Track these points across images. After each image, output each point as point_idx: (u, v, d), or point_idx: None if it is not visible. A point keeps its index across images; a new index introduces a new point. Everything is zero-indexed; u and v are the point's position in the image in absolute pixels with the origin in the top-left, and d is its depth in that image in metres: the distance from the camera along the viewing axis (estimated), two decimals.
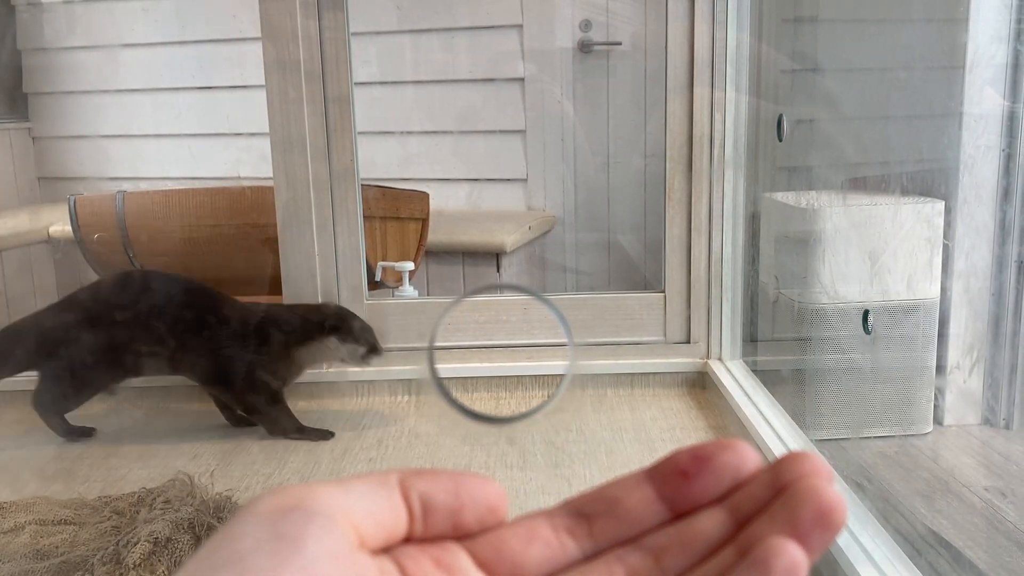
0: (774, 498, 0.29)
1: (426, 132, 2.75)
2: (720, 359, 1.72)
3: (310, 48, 1.66)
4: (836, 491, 0.29)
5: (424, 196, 2.34)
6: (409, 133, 2.76)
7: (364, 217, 1.73)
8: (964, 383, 1.65)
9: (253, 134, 2.69)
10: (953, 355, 1.65)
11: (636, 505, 0.31)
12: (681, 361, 1.72)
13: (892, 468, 1.60)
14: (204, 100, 2.88)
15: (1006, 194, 1.58)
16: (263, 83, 1.67)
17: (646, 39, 2.55)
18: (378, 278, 2.04)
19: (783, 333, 1.87)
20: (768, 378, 1.62)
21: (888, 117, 1.74)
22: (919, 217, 1.64)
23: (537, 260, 2.66)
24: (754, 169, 1.74)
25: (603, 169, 2.68)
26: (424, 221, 2.32)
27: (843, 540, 1.02)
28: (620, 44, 2.58)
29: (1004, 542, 1.36)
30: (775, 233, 1.86)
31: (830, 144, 1.87)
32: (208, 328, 1.48)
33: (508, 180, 2.72)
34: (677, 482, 0.31)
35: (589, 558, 0.31)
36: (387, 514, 0.30)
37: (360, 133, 1.72)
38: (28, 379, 1.72)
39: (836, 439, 1.72)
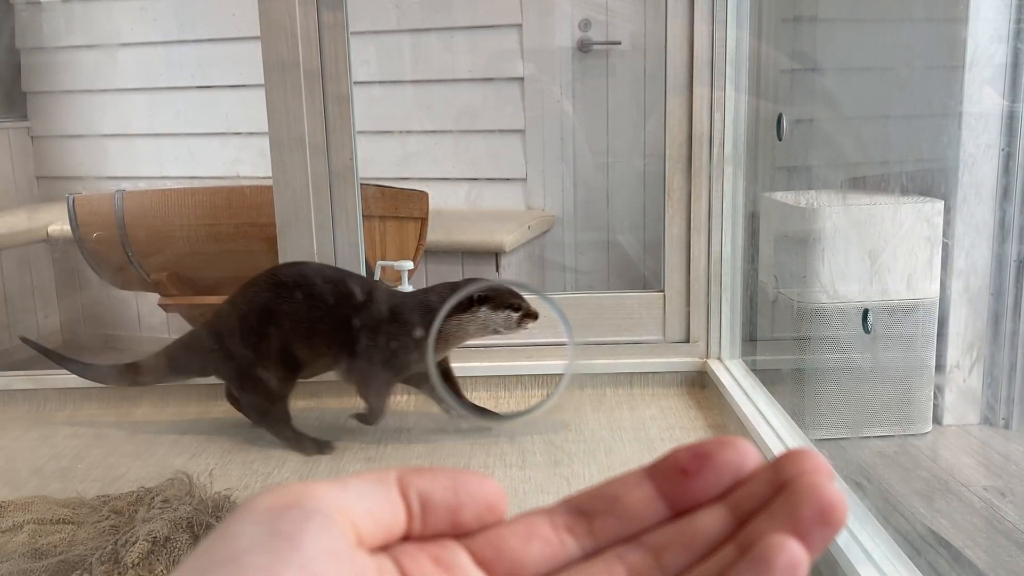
0: (775, 496, 0.29)
1: (425, 131, 2.75)
2: (719, 358, 1.72)
3: (309, 47, 1.66)
4: (837, 489, 0.28)
5: (423, 195, 2.33)
6: (408, 132, 2.76)
7: (363, 216, 1.73)
8: (964, 382, 1.64)
9: (252, 133, 2.69)
10: (953, 354, 1.65)
11: (636, 503, 0.31)
12: (680, 360, 1.72)
13: (891, 468, 1.60)
14: (203, 99, 2.88)
15: (1005, 193, 1.58)
16: (262, 82, 1.67)
17: (645, 38, 2.55)
18: (377, 278, 2.04)
19: (782, 332, 1.87)
20: (767, 377, 1.62)
21: (888, 116, 1.74)
22: (919, 216, 1.64)
23: (536, 259, 2.66)
24: (753, 168, 1.74)
25: (602, 168, 2.68)
26: (423, 220, 2.31)
27: (843, 540, 1.02)
28: (619, 43, 2.58)
29: (1003, 541, 1.36)
30: (774, 233, 1.86)
31: (829, 143, 1.87)
32: (365, 318, 1.44)
33: (507, 179, 2.72)
34: (677, 480, 0.31)
35: (589, 556, 0.31)
36: (385, 512, 0.30)
37: (359, 132, 1.72)
38: (27, 379, 1.72)
39: (835, 439, 1.72)
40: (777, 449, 1.32)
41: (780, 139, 1.72)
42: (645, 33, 2.56)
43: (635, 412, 1.60)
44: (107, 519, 1.20)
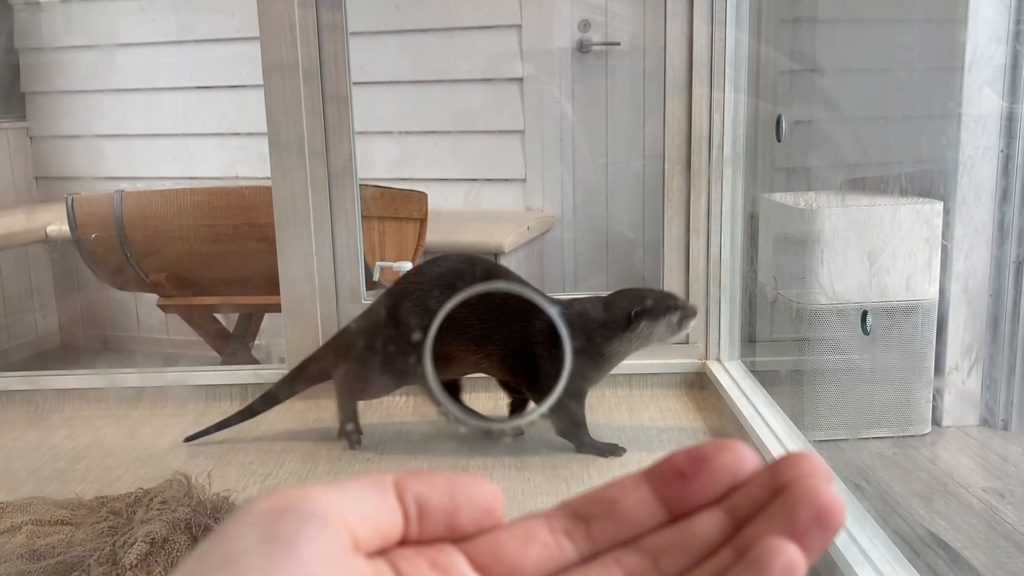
0: (772, 499, 0.29)
1: (424, 132, 2.75)
2: (718, 359, 1.71)
3: (308, 47, 1.66)
4: (834, 491, 0.28)
5: (422, 196, 2.33)
6: (407, 133, 2.76)
7: (362, 217, 1.73)
8: (963, 384, 1.64)
9: (251, 134, 2.68)
10: (952, 356, 1.65)
11: (634, 507, 0.31)
12: (679, 362, 1.72)
13: (890, 469, 1.60)
14: (202, 100, 2.88)
15: (1004, 195, 1.58)
16: (261, 83, 1.67)
17: (645, 39, 2.55)
18: (376, 278, 2.04)
19: (781, 334, 1.87)
20: (766, 379, 1.62)
21: (887, 118, 1.74)
22: (918, 218, 1.64)
23: (535, 260, 2.66)
24: (753, 170, 1.74)
25: (601, 169, 2.68)
26: (422, 221, 2.31)
27: (841, 541, 1.02)
28: (619, 44, 2.58)
29: (1002, 543, 1.36)
30: (774, 234, 1.86)
31: (829, 145, 1.87)
32: (519, 321, 1.35)
33: (506, 180, 2.72)
34: (675, 483, 0.31)
35: (587, 560, 0.31)
36: (382, 516, 0.30)
37: (358, 133, 1.72)
38: (24, 380, 1.72)
39: (834, 440, 1.72)
40: (776, 450, 1.32)
41: (779, 140, 1.72)
42: (644, 34, 2.56)
43: (634, 413, 1.60)
44: (105, 520, 1.20)
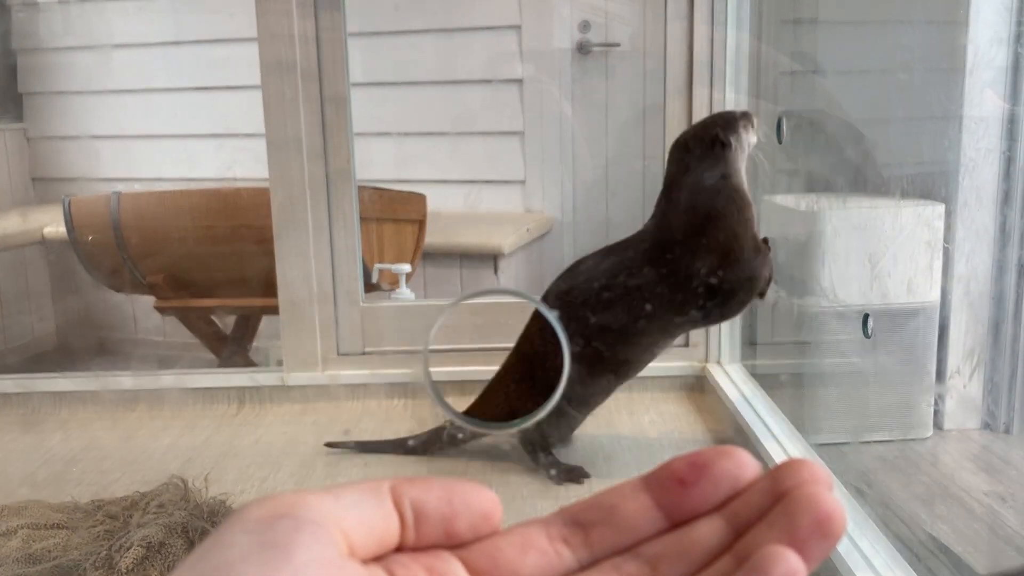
0: (772, 506, 0.29)
1: (423, 133, 2.75)
2: (719, 363, 1.71)
3: (307, 48, 1.65)
4: (835, 499, 0.28)
5: (421, 198, 2.33)
6: (406, 134, 2.75)
7: (360, 219, 1.72)
8: (964, 388, 1.64)
9: (249, 135, 2.68)
10: (953, 359, 1.64)
11: (633, 513, 0.31)
12: (680, 365, 1.71)
13: (892, 473, 1.59)
14: (200, 100, 2.88)
15: (1006, 197, 1.57)
16: (259, 84, 1.67)
17: (645, 40, 2.55)
18: (375, 280, 2.04)
19: (782, 337, 1.86)
20: (767, 382, 1.62)
21: (888, 119, 1.74)
22: (919, 220, 1.63)
23: (535, 262, 2.66)
24: (753, 171, 1.73)
25: (601, 171, 2.67)
26: (421, 223, 2.31)
27: (843, 546, 1.01)
28: (619, 45, 2.58)
29: (1004, 547, 1.36)
30: (774, 236, 1.86)
31: (830, 146, 1.87)
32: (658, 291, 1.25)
33: (506, 182, 2.72)
34: (674, 490, 0.31)
35: (585, 567, 0.31)
36: (378, 522, 0.30)
37: (357, 134, 1.71)
38: (20, 382, 1.71)
39: (835, 443, 1.71)
40: (777, 454, 1.32)
41: (780, 142, 1.72)
42: (645, 35, 2.55)
43: (634, 417, 1.59)
44: (101, 524, 1.19)
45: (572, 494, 1.29)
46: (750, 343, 1.77)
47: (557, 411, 1.31)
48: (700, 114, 1.66)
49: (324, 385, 1.70)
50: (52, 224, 2.64)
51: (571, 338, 1.27)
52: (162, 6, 2.85)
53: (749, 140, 1.29)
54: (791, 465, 0.29)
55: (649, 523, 0.31)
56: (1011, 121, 1.59)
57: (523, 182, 2.71)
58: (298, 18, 1.64)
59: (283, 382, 1.69)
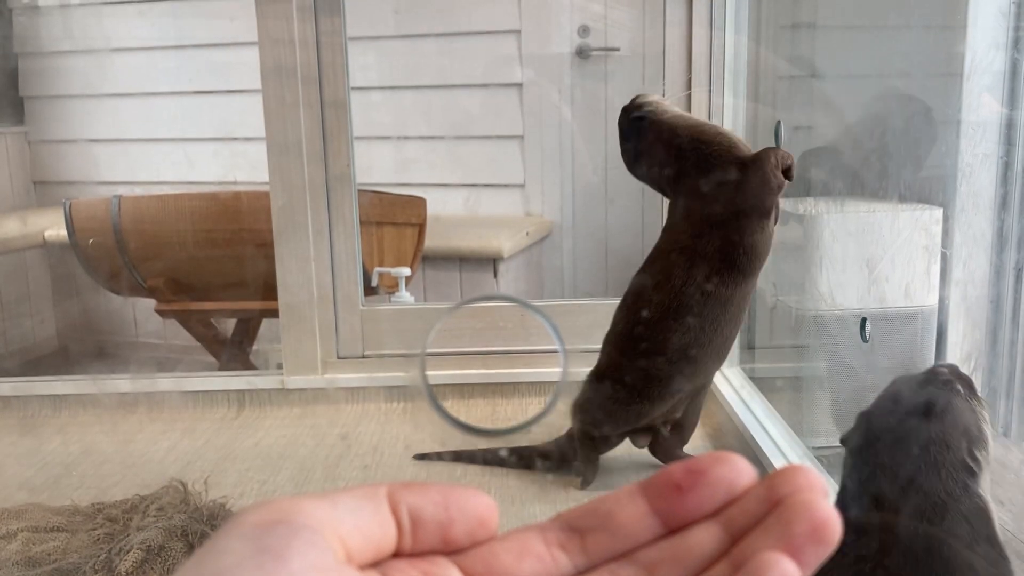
0: (768, 512, 0.29)
1: (423, 137, 2.75)
2: None
3: (307, 52, 1.66)
4: (830, 506, 0.28)
5: (421, 201, 2.33)
6: (406, 138, 2.76)
7: (360, 222, 1.73)
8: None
9: (249, 139, 2.68)
10: (951, 361, 1.64)
11: (629, 520, 0.31)
12: None
13: None
14: (200, 104, 2.88)
15: (1004, 202, 1.57)
16: (259, 88, 1.67)
17: (644, 45, 2.55)
18: (374, 284, 2.04)
19: (781, 340, 1.86)
20: (765, 385, 1.62)
21: (888, 123, 1.74)
22: (917, 225, 1.64)
23: (534, 266, 2.66)
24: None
25: (601, 174, 2.67)
26: (421, 227, 2.31)
27: None
28: (618, 50, 2.58)
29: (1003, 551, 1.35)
30: (773, 240, 1.86)
31: (827, 151, 1.87)
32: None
33: (505, 186, 2.72)
34: (671, 496, 0.31)
35: (582, 573, 0.31)
36: (375, 528, 0.30)
37: (357, 138, 1.71)
38: (20, 386, 1.71)
39: (833, 447, 1.71)
40: (775, 457, 1.32)
41: (778, 147, 1.72)
42: (644, 39, 2.56)
43: None
44: (101, 527, 1.19)
45: (571, 500, 1.29)
46: (748, 347, 1.77)
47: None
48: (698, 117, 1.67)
49: (324, 388, 1.70)
50: (53, 227, 2.64)
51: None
52: (163, 10, 2.85)
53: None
54: (787, 472, 0.29)
55: (645, 529, 0.31)
56: (1009, 126, 1.59)
57: (522, 186, 2.71)
58: (298, 22, 1.65)
59: (283, 385, 1.70)
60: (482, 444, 1.48)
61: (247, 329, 2.27)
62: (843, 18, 1.90)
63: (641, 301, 1.26)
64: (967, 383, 0.94)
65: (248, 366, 2.23)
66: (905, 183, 1.62)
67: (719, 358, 1.30)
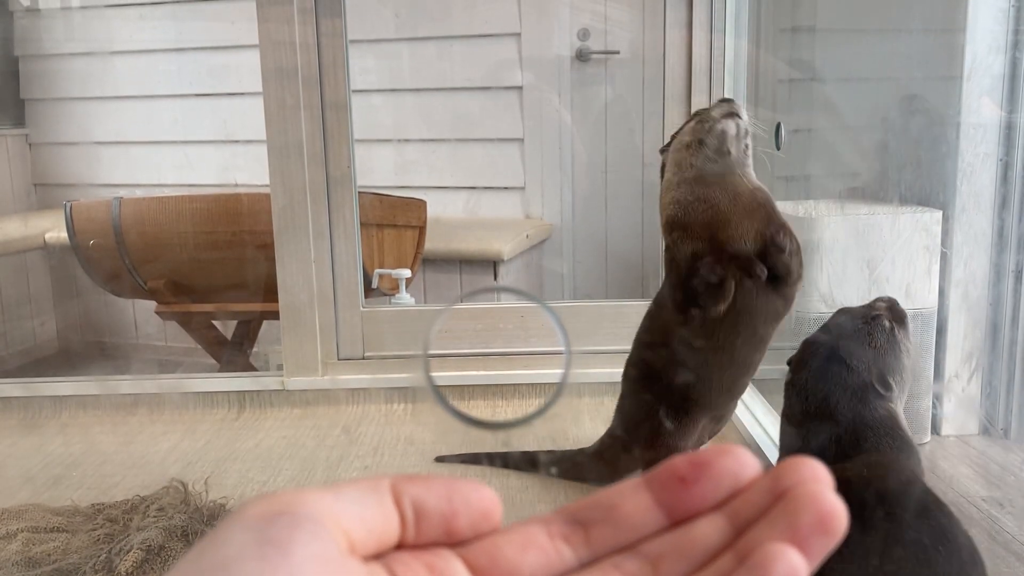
0: (773, 504, 0.29)
1: (423, 140, 2.75)
2: None
3: (308, 55, 1.66)
4: (836, 497, 0.28)
5: (421, 204, 2.33)
6: (407, 141, 2.76)
7: (361, 224, 1.73)
8: (962, 392, 1.64)
9: (249, 141, 2.68)
10: (951, 364, 1.64)
11: (633, 512, 0.31)
12: None
13: None
14: (201, 107, 2.88)
15: (1004, 203, 1.58)
16: (260, 90, 1.67)
17: (644, 48, 2.56)
18: (375, 285, 2.04)
19: (781, 341, 1.86)
20: (765, 387, 1.62)
21: (887, 126, 1.74)
22: (917, 226, 1.64)
23: (534, 268, 2.66)
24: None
25: (600, 177, 2.68)
26: (421, 229, 2.31)
27: None
28: (618, 53, 2.59)
29: (1002, 553, 1.35)
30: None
31: (828, 153, 1.87)
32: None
33: (505, 188, 2.72)
34: (675, 489, 0.31)
35: (586, 566, 0.31)
36: (378, 520, 0.30)
37: (357, 141, 1.71)
38: (21, 386, 1.71)
39: None
40: (775, 458, 1.32)
41: (778, 148, 1.72)
42: (644, 42, 2.56)
43: None
44: (101, 527, 1.19)
45: (572, 496, 1.29)
46: None
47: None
48: None
49: (324, 389, 1.70)
50: (53, 229, 2.64)
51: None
52: (164, 13, 2.85)
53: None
54: (792, 464, 0.29)
55: (650, 521, 0.31)
56: (1008, 128, 1.60)
57: (523, 188, 2.71)
58: (299, 25, 1.65)
59: (283, 386, 1.70)
60: (489, 439, 1.48)
61: (247, 331, 2.27)
62: (842, 21, 1.91)
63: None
64: (899, 316, 1.08)
65: (248, 368, 2.23)
66: (905, 184, 1.63)
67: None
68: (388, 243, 2.16)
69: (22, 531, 1.18)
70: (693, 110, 1.68)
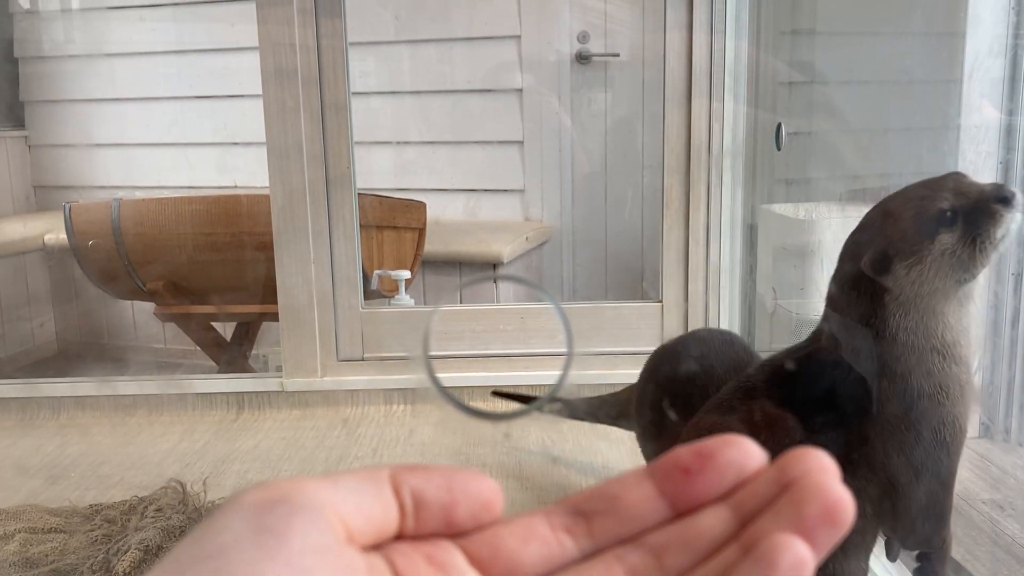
0: (779, 495, 0.28)
1: (423, 142, 2.75)
2: None
3: (308, 57, 1.66)
4: (842, 488, 0.28)
5: (421, 206, 2.33)
6: (406, 143, 2.76)
7: (361, 226, 1.72)
8: None
9: (249, 143, 2.68)
10: None
11: (636, 503, 0.30)
12: None
13: None
14: (201, 109, 2.88)
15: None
16: (260, 92, 1.67)
17: (644, 50, 2.56)
18: (374, 287, 2.04)
19: (781, 344, 1.86)
20: None
21: (886, 129, 1.74)
22: None
23: (534, 270, 2.66)
24: (751, 181, 1.74)
25: (600, 180, 2.68)
26: (421, 231, 2.31)
27: None
28: (618, 55, 2.59)
29: (1003, 555, 1.35)
30: (773, 245, 1.86)
31: (828, 156, 1.87)
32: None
33: (505, 191, 2.72)
34: (679, 479, 0.30)
35: (588, 557, 0.30)
36: (377, 510, 0.29)
37: (357, 143, 1.71)
38: (20, 387, 1.70)
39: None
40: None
41: (779, 148, 1.72)
42: (644, 45, 2.56)
43: None
44: (99, 528, 1.19)
45: (572, 491, 1.28)
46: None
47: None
48: (699, 123, 1.67)
49: (323, 391, 1.70)
50: (53, 231, 2.64)
51: None
52: (164, 15, 2.85)
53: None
54: (798, 454, 0.29)
55: (653, 513, 0.30)
56: (1008, 131, 1.60)
57: (522, 191, 2.71)
58: (299, 27, 1.65)
59: (282, 387, 1.69)
60: (489, 440, 1.48)
61: (247, 332, 2.27)
62: (843, 24, 1.91)
63: None
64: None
65: (246, 369, 2.22)
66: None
67: None
68: (388, 245, 2.16)
69: (20, 532, 1.17)
70: (693, 113, 1.67)
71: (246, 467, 1.43)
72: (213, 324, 2.27)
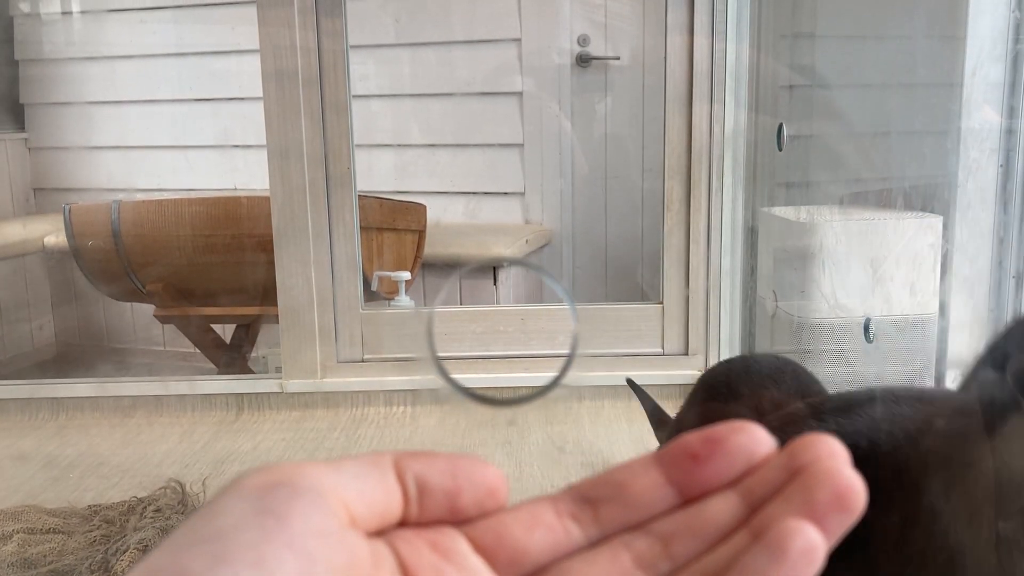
0: (789, 481, 0.28)
1: (424, 145, 2.75)
2: None
3: (308, 58, 1.66)
4: (854, 473, 0.27)
5: (421, 208, 2.33)
6: (407, 146, 2.76)
7: (361, 228, 1.72)
8: None
9: (249, 146, 2.68)
10: (952, 370, 1.64)
11: (644, 490, 0.30)
12: (679, 373, 1.71)
13: None
14: (201, 111, 2.88)
15: (1004, 209, 1.58)
16: (260, 95, 1.67)
17: (645, 53, 2.56)
18: (375, 288, 2.03)
19: (781, 347, 1.86)
20: None
21: (887, 133, 1.74)
22: (917, 232, 1.64)
23: (534, 273, 2.65)
24: (752, 184, 1.73)
25: (600, 183, 2.68)
26: (421, 233, 2.31)
27: None
28: (619, 58, 2.59)
29: None
30: (773, 247, 1.86)
31: (829, 159, 1.87)
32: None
33: (505, 194, 2.72)
34: (687, 466, 0.30)
35: (595, 544, 0.30)
36: (380, 495, 0.29)
37: (358, 145, 1.71)
38: (19, 388, 1.70)
39: None
40: None
41: (780, 149, 1.72)
42: (644, 48, 2.56)
43: (633, 425, 1.59)
44: (98, 528, 1.18)
45: (577, 477, 1.28)
46: (750, 352, 1.77)
47: None
48: (700, 127, 1.67)
49: (323, 392, 1.69)
50: (53, 233, 2.63)
51: None
52: (164, 18, 2.86)
53: None
54: (808, 440, 0.28)
55: (661, 500, 0.30)
56: (1008, 135, 1.60)
57: (522, 194, 2.71)
58: (299, 29, 1.65)
59: (282, 389, 1.69)
60: (488, 439, 1.48)
61: (247, 334, 2.27)
62: (843, 28, 1.91)
63: None
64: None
65: (246, 371, 2.22)
66: (906, 190, 1.63)
67: None
68: (388, 247, 2.16)
69: (18, 532, 1.17)
70: (694, 116, 1.67)
71: (245, 468, 1.42)
72: (212, 326, 2.27)
